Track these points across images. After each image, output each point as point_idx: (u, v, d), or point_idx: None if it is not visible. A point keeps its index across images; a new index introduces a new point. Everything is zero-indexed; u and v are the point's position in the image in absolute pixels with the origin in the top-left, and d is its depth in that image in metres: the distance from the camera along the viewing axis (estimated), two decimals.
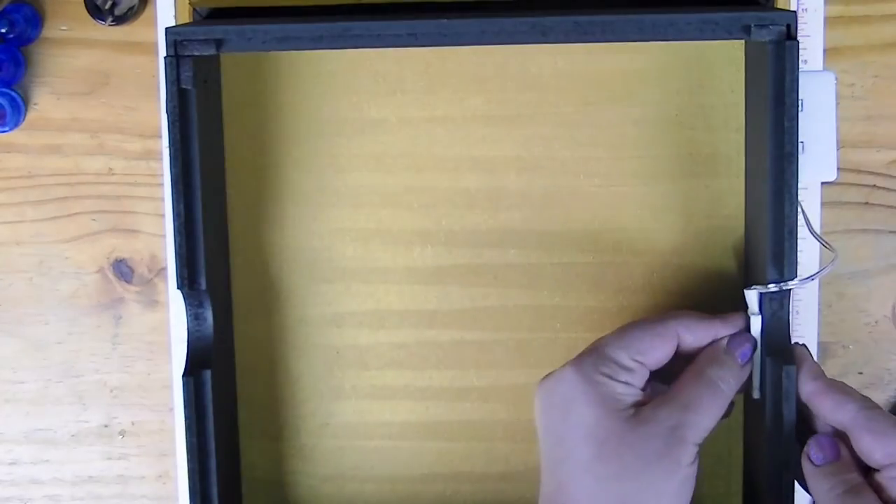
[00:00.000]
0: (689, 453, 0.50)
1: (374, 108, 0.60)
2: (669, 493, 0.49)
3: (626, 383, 0.51)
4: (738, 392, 0.54)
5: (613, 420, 0.50)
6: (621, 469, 0.49)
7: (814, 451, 0.51)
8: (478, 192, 0.61)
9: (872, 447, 0.49)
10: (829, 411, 0.51)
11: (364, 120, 0.61)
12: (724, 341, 0.53)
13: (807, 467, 0.51)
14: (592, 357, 0.52)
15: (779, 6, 0.58)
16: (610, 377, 0.51)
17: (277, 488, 0.63)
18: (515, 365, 0.62)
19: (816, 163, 0.59)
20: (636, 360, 0.52)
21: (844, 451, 0.50)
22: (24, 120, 0.62)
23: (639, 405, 0.51)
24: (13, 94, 0.61)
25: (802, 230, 0.56)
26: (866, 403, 0.50)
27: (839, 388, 0.51)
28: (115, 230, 0.63)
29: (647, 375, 0.52)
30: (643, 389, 0.52)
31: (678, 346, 0.53)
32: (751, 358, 0.54)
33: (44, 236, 0.63)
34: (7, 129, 0.62)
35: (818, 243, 0.60)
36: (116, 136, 0.62)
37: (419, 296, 0.62)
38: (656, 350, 0.52)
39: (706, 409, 0.51)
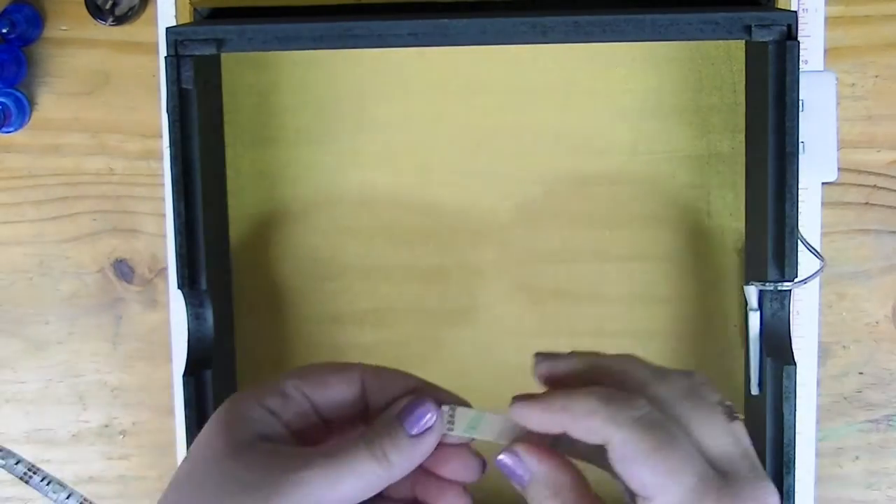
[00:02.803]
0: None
1: (374, 108, 0.61)
2: None
3: (269, 410, 0.43)
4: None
5: (225, 442, 0.42)
6: (209, 494, 0.41)
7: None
8: (479, 190, 0.61)
9: (626, 475, 0.40)
10: (586, 438, 0.41)
11: (365, 119, 0.61)
12: (402, 403, 0.43)
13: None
14: (268, 382, 0.44)
15: (779, 6, 0.58)
16: (258, 401, 0.43)
17: None
18: (516, 365, 0.62)
19: (817, 163, 0.59)
20: (299, 389, 0.44)
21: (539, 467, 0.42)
22: (29, 120, 0.62)
23: (276, 439, 0.43)
24: (18, 94, 0.61)
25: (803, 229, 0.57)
26: (624, 423, 0.40)
27: (585, 402, 0.41)
28: (116, 230, 0.63)
29: (306, 410, 0.44)
30: (299, 429, 0.44)
31: (368, 396, 0.45)
32: (431, 432, 0.43)
33: (44, 236, 0.63)
34: (12, 129, 0.62)
35: (818, 243, 0.61)
36: (117, 136, 0.62)
37: (421, 294, 0.62)
38: (330, 386, 0.44)
39: (349, 472, 0.41)
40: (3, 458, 0.48)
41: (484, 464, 0.44)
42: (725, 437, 0.41)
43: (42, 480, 0.48)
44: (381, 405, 0.44)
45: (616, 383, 0.42)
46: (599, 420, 0.40)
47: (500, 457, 0.43)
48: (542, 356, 0.44)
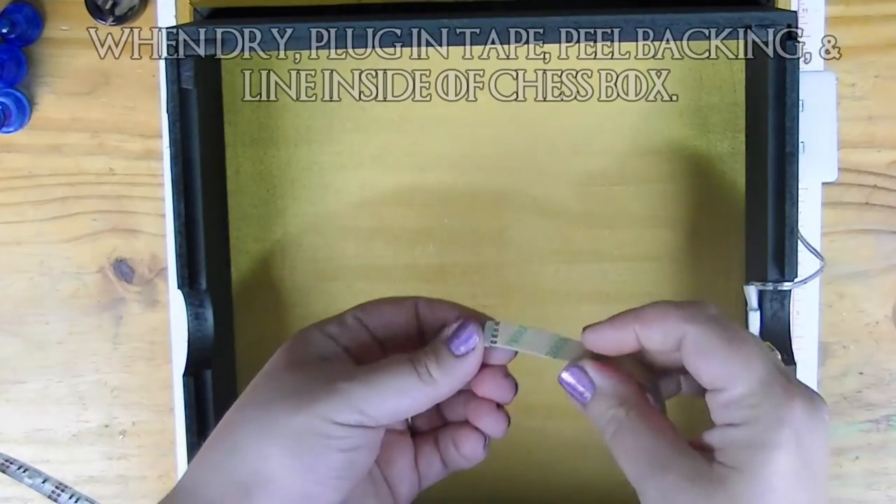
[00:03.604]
0: (343, 413, 0.43)
1: (374, 108, 0.61)
2: (298, 434, 0.43)
3: (328, 335, 0.47)
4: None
5: (286, 359, 0.46)
6: (262, 399, 0.45)
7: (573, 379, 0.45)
8: (479, 191, 0.61)
9: (699, 369, 0.42)
10: (660, 342, 0.43)
11: (365, 119, 0.61)
12: (450, 329, 0.47)
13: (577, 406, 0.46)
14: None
15: (779, 6, 0.58)
16: (320, 329, 0.47)
17: None
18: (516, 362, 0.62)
19: (817, 163, 0.60)
20: (358, 318, 0.48)
21: (606, 382, 0.45)
22: (29, 120, 0.62)
23: (334, 360, 0.46)
24: (18, 94, 0.61)
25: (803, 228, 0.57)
26: (697, 319, 0.43)
27: (663, 310, 0.44)
28: (116, 230, 0.63)
29: (364, 336, 0.48)
30: (358, 353, 0.47)
31: (423, 324, 0.49)
32: (474, 352, 0.46)
33: (44, 236, 0.63)
34: (12, 129, 0.62)
35: (818, 243, 0.61)
36: (117, 136, 0.62)
37: (420, 294, 0.62)
38: (386, 314, 0.48)
39: (392, 387, 0.44)
40: (30, 478, 0.48)
41: (516, 385, 0.48)
42: (776, 354, 0.44)
43: (71, 498, 0.48)
44: (434, 332, 0.48)
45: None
46: (673, 319, 0.43)
47: (563, 374, 0.45)
48: (588, 328, 0.46)
